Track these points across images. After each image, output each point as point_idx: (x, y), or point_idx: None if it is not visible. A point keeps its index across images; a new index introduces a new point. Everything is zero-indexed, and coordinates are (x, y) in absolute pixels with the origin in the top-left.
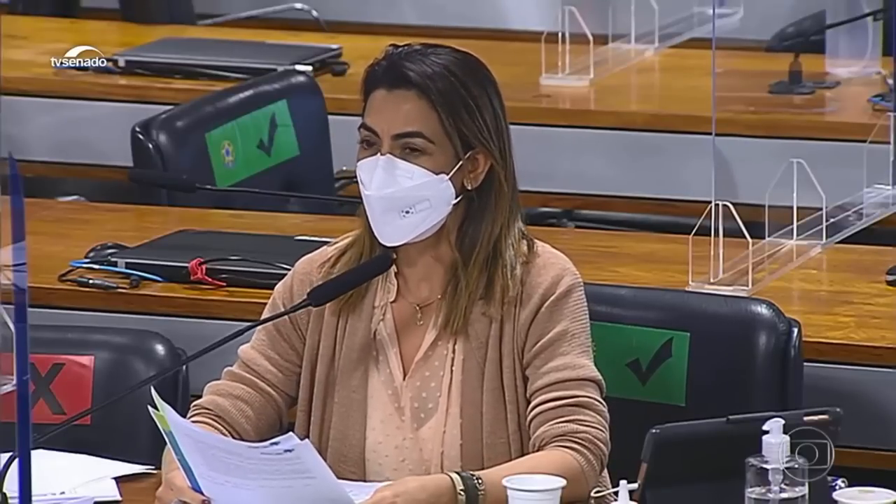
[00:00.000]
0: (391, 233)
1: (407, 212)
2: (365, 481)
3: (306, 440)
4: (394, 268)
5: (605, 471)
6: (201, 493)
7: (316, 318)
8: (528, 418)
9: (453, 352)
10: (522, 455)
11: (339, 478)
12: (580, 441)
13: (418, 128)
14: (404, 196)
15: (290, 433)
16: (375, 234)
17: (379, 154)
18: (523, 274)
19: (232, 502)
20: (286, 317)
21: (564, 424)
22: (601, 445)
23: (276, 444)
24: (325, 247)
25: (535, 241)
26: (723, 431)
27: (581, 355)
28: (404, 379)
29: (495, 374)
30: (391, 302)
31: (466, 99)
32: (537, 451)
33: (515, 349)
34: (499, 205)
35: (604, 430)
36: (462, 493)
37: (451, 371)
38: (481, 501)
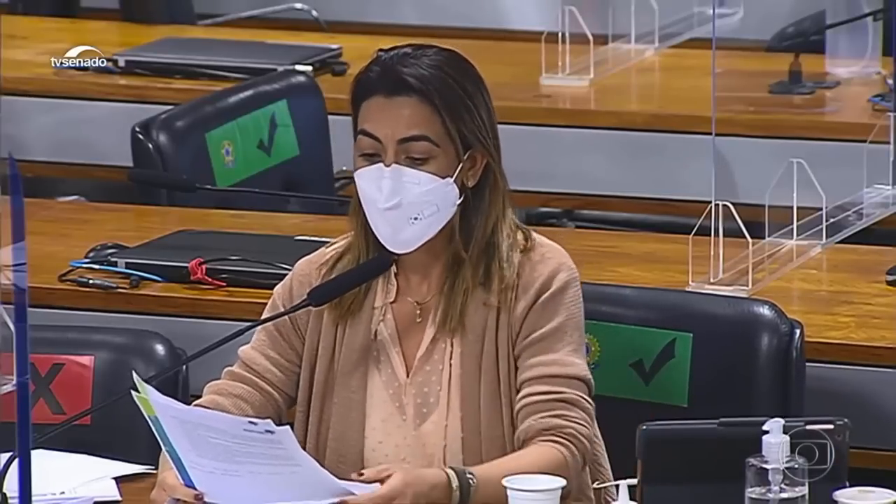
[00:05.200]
0: (401, 241)
1: (415, 218)
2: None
3: (286, 426)
4: (394, 268)
5: (607, 461)
6: (194, 488)
7: (315, 319)
8: (516, 409)
9: (451, 345)
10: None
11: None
12: (565, 436)
13: (423, 131)
14: (412, 203)
15: (268, 420)
16: (384, 243)
17: (383, 164)
18: (521, 264)
19: (224, 493)
20: (286, 317)
21: (550, 419)
22: (585, 441)
23: (254, 423)
24: (322, 248)
25: (533, 231)
26: (715, 433)
27: (572, 353)
28: (408, 377)
29: (492, 367)
30: (391, 303)
31: (465, 99)
32: (522, 443)
33: (510, 341)
34: (494, 200)
35: (588, 426)
36: (457, 489)
37: (451, 365)
38: (472, 494)
